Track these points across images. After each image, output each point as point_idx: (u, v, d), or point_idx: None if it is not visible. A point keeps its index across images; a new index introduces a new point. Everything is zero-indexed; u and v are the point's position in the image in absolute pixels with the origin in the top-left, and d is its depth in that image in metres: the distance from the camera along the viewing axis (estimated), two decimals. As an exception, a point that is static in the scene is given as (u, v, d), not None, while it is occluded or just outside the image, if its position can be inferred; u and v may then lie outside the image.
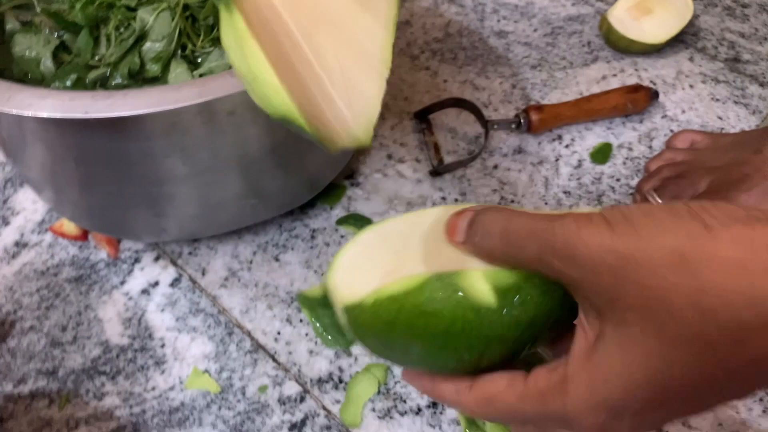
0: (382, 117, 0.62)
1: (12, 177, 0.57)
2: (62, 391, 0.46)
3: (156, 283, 0.51)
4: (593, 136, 0.61)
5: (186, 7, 0.48)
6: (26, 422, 0.45)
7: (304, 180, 0.53)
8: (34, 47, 0.49)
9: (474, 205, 0.28)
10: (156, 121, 0.40)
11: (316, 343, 0.49)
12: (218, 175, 0.45)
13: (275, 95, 0.29)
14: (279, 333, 0.49)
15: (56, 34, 0.50)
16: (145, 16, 0.48)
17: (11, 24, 0.50)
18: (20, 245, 0.53)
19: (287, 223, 0.55)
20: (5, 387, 0.47)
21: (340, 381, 0.47)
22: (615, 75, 0.66)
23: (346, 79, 0.31)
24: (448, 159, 0.59)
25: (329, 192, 0.57)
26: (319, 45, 0.31)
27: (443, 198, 0.57)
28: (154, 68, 0.47)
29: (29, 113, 0.35)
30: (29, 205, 0.55)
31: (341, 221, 0.55)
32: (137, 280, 0.51)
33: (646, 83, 0.65)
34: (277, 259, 0.53)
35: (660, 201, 0.53)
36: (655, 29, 0.66)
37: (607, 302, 0.23)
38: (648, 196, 0.53)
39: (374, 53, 0.31)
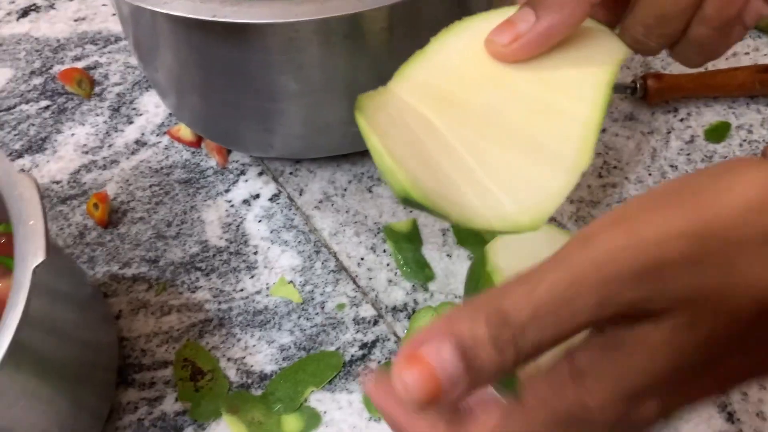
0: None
1: (140, 81, 0.61)
2: (161, 279, 0.50)
3: (257, 196, 0.54)
4: (711, 113, 0.58)
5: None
6: (126, 301, 0.50)
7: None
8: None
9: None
10: (275, 34, 0.42)
11: (395, 273, 0.50)
12: (326, 97, 0.47)
13: (392, 176, 0.28)
14: (362, 259, 0.51)
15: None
16: None
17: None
18: (140, 143, 0.57)
19: (385, 157, 0.56)
20: (112, 267, 0.51)
21: (414, 312, 0.48)
22: (748, 53, 0.62)
23: (513, 173, 0.28)
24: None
25: (430, 134, 0.57)
26: (480, 147, 0.30)
27: (543, 154, 0.56)
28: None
29: (164, 10, 0.38)
30: (152, 108, 0.59)
31: (438, 163, 0.56)
32: (240, 191, 0.54)
33: (780, 65, 0.61)
34: (369, 191, 0.54)
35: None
36: (801, 9, 0.62)
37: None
38: None
39: (561, 153, 0.28)
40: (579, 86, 0.30)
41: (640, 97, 0.58)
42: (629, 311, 0.19)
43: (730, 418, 0.43)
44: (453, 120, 0.30)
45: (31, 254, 0.33)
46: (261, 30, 0.42)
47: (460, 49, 0.33)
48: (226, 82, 0.47)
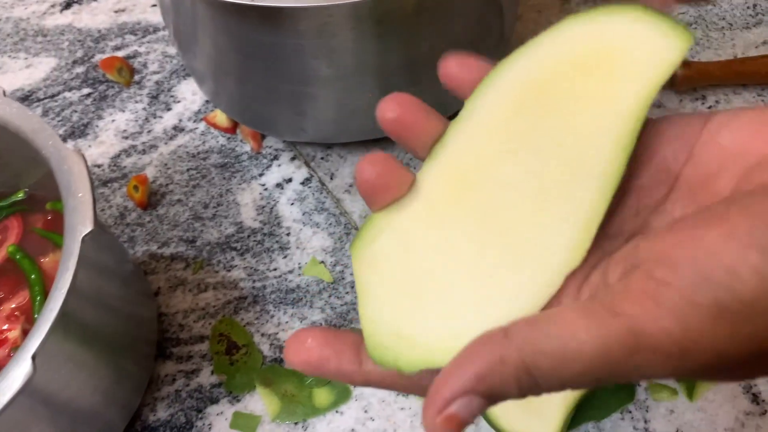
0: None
1: (177, 69, 0.63)
2: (197, 258, 0.52)
3: (290, 180, 0.56)
4: (740, 100, 0.59)
5: None
6: (164, 278, 0.52)
7: (436, 102, 0.55)
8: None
9: None
10: (308, 18, 0.43)
11: (424, 255, 0.51)
12: (357, 81, 0.48)
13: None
14: (392, 240, 0.52)
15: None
16: None
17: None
18: (177, 129, 0.59)
19: (414, 143, 0.57)
20: (151, 247, 0.53)
21: (442, 292, 0.49)
22: (778, 41, 0.62)
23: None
24: (581, 104, 0.59)
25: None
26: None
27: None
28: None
29: (205, -4, 0.40)
30: (189, 96, 0.61)
31: (466, 148, 0.57)
32: (274, 175, 0.56)
33: (812, 53, 0.61)
34: (400, 175, 0.56)
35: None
36: (834, -4, 0.61)
37: None
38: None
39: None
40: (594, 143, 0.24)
41: (668, 85, 0.58)
42: None
43: (756, 399, 0.44)
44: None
45: (80, 224, 0.35)
46: (295, 14, 0.43)
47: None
48: (261, 67, 0.49)
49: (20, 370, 0.31)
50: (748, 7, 0.65)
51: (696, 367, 0.19)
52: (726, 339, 0.18)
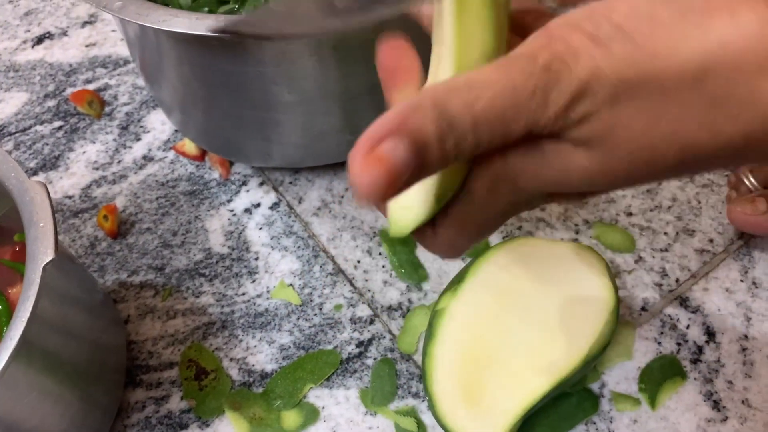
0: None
1: (147, 100, 0.64)
2: (166, 285, 0.53)
3: (258, 205, 0.57)
4: None
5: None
6: (134, 306, 0.52)
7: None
8: (176, -18, 0.55)
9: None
10: (268, 47, 0.44)
11: (390, 275, 0.52)
12: (320, 106, 0.49)
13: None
14: (359, 261, 0.53)
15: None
16: None
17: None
18: (147, 159, 0.60)
19: (381, 166, 0.58)
20: (121, 275, 0.54)
21: (408, 311, 0.50)
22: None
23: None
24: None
25: (424, 142, 0.60)
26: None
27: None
28: (275, 7, 0.52)
29: (163, 27, 0.41)
30: (158, 126, 0.62)
31: (431, 169, 0.58)
32: (242, 200, 0.57)
33: None
34: (367, 197, 0.57)
35: (755, 182, 0.52)
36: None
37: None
38: (743, 176, 0.52)
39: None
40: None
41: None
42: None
43: (716, 405, 0.45)
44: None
45: (41, 253, 0.36)
46: (254, 43, 0.44)
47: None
48: (226, 96, 0.50)
49: (-22, 398, 0.31)
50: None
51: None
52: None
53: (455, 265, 0.52)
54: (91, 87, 0.66)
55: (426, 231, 0.26)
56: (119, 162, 0.60)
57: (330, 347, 0.49)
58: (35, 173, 0.60)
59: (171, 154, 0.60)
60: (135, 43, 0.54)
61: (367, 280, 0.52)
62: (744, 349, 0.47)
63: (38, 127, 0.63)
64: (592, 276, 0.42)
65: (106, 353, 0.47)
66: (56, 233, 0.36)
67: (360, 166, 0.20)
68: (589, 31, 0.21)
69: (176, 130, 0.62)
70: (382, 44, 0.27)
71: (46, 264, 0.35)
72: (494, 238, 0.53)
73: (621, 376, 0.46)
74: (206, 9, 0.52)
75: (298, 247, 0.54)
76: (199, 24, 0.40)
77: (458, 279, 0.45)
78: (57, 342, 0.40)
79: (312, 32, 0.41)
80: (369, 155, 0.20)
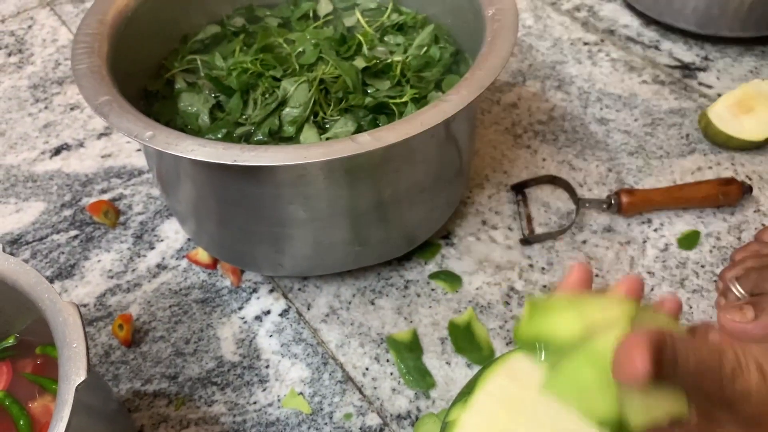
0: (481, 186, 0.68)
1: (161, 210, 0.67)
2: (179, 394, 0.54)
3: (268, 312, 0.59)
4: (682, 222, 0.64)
5: (321, 81, 0.57)
6: (147, 416, 0.53)
7: (404, 235, 0.59)
8: (195, 104, 0.59)
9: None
10: (287, 173, 0.48)
11: (399, 382, 0.54)
12: (332, 222, 0.53)
13: None
14: (367, 369, 0.55)
15: (213, 95, 0.60)
16: (288, 86, 0.57)
17: (179, 84, 0.61)
18: (161, 267, 0.63)
19: (385, 272, 0.61)
20: (135, 384, 0.55)
21: (417, 419, 0.52)
22: (711, 167, 0.69)
23: None
24: (539, 230, 0.64)
25: (425, 248, 0.63)
26: None
27: (530, 265, 0.61)
28: (290, 130, 0.56)
29: (192, 156, 0.44)
30: (172, 234, 0.65)
31: (434, 276, 0.61)
32: (253, 308, 0.59)
33: (741, 177, 0.67)
34: (372, 303, 0.59)
35: (741, 290, 0.55)
36: (755, 127, 0.69)
37: None
38: (730, 284, 0.55)
39: None
40: None
41: (615, 210, 0.64)
42: None
43: None
44: None
45: (74, 374, 0.37)
46: (274, 169, 0.48)
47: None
48: (242, 212, 0.53)
49: None
50: (681, 137, 0.72)
51: None
52: None
53: (462, 373, 0.54)
54: (106, 197, 0.69)
55: None
56: (133, 270, 0.62)
57: (341, 456, 0.50)
58: (51, 282, 0.62)
59: (184, 263, 0.63)
60: (152, 158, 0.57)
61: (375, 388, 0.54)
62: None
63: (55, 236, 0.66)
64: None
65: (122, 466, 0.47)
66: (88, 354, 0.38)
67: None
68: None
69: (189, 239, 0.64)
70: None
71: (79, 385, 0.37)
72: (501, 347, 0.55)
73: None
74: (224, 131, 0.56)
75: (308, 354, 0.56)
76: (226, 154, 0.44)
77: (468, 389, 0.47)
78: (80, 458, 0.41)
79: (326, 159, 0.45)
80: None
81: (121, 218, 0.67)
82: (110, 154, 0.73)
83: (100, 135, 0.76)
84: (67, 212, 0.68)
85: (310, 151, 0.44)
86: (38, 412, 0.46)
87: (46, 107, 0.79)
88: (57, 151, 0.74)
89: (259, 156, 0.44)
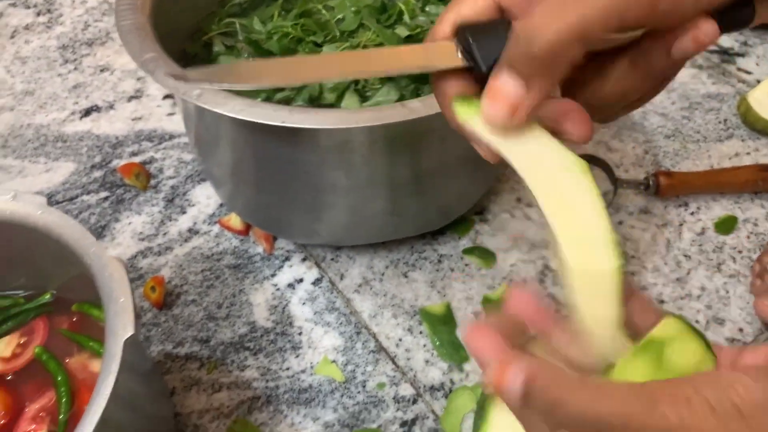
0: (517, 164, 0.67)
1: (192, 174, 0.67)
2: (211, 358, 0.54)
3: (300, 280, 0.58)
4: (719, 207, 0.63)
5: (364, 47, 0.56)
6: (179, 378, 0.53)
7: (440, 208, 0.59)
8: (234, 68, 0.58)
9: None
10: (333, 137, 0.47)
11: (432, 354, 0.54)
12: (371, 191, 0.52)
13: None
14: (400, 340, 0.54)
15: (252, 59, 0.59)
16: (329, 51, 0.56)
17: (218, 47, 0.61)
18: (192, 232, 0.62)
19: (418, 245, 0.61)
20: (166, 346, 0.55)
21: (450, 391, 0.51)
22: (749, 153, 0.68)
23: None
24: (574, 210, 0.63)
25: (459, 223, 0.62)
26: None
27: (565, 244, 0.61)
28: (330, 96, 0.55)
29: (240, 116, 0.43)
30: (203, 200, 0.65)
31: (467, 251, 0.60)
32: (285, 275, 0.59)
33: (780, 164, 0.66)
34: (405, 276, 0.59)
35: (780, 275, 0.54)
36: (796, 114, 0.68)
37: None
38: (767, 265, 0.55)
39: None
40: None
41: (653, 192, 0.63)
42: None
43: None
44: None
45: (121, 328, 0.37)
46: (321, 133, 0.47)
47: None
48: (282, 177, 0.52)
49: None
50: (719, 122, 0.71)
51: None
52: None
53: (496, 347, 0.53)
54: (137, 159, 0.68)
55: None
56: (165, 234, 0.62)
57: (374, 426, 0.50)
58: (82, 242, 0.62)
59: (216, 228, 0.62)
60: (191, 119, 0.57)
61: (409, 359, 0.53)
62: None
63: (85, 197, 0.65)
64: None
65: (157, 424, 0.47)
66: (135, 309, 0.38)
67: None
68: (710, 401, 0.23)
69: (221, 205, 0.64)
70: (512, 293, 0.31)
71: (127, 339, 0.37)
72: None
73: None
74: (263, 95, 0.55)
75: (341, 323, 0.56)
76: (275, 115, 0.43)
77: None
78: (120, 414, 0.41)
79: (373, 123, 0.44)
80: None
81: (152, 181, 0.66)
82: (140, 117, 0.73)
83: (131, 98, 0.75)
84: (98, 173, 0.67)
85: (360, 115, 0.43)
86: (75, 368, 0.46)
87: (75, 68, 0.79)
88: (87, 113, 0.74)
89: (308, 118, 0.43)
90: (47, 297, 0.49)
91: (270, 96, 0.56)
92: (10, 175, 0.68)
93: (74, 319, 0.48)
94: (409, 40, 0.58)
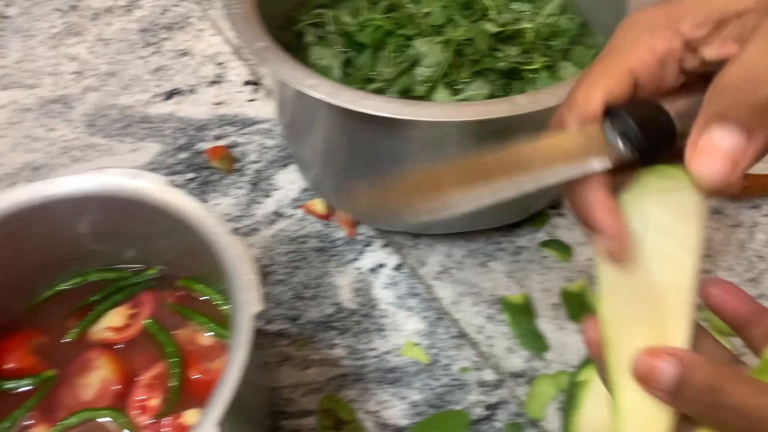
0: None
1: (276, 159, 0.69)
2: (301, 335, 0.56)
3: (382, 265, 0.61)
4: (793, 210, 0.64)
5: (457, 43, 0.57)
6: (271, 354, 0.55)
7: (521, 203, 0.61)
8: (326, 57, 0.60)
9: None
10: (431, 129, 0.49)
11: (513, 342, 0.56)
12: (463, 182, 0.54)
13: None
14: (482, 327, 0.57)
15: (343, 50, 0.61)
16: (420, 45, 0.58)
17: (310, 37, 0.63)
18: (277, 215, 0.65)
19: (495, 236, 0.63)
20: (258, 323, 0.57)
21: (533, 378, 0.53)
22: (821, 157, 0.68)
23: None
24: (648, 207, 0.65)
25: (534, 216, 0.64)
26: None
27: (640, 240, 0.62)
28: (421, 89, 0.57)
29: (352, 107, 0.45)
30: (287, 185, 0.67)
31: (545, 244, 0.62)
32: (368, 260, 0.61)
33: None
34: (484, 265, 0.61)
35: None
36: None
37: None
38: None
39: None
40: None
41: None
42: None
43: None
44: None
45: (248, 304, 0.39)
46: (414, 125, 0.49)
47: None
48: (374, 164, 0.54)
49: (210, 436, 0.34)
50: (791, 126, 0.71)
51: None
52: None
53: (576, 339, 0.55)
54: (221, 143, 0.70)
55: None
56: (251, 216, 0.64)
57: (459, 407, 0.52)
58: (171, 220, 0.65)
59: (299, 212, 0.65)
60: (288, 106, 0.59)
61: (490, 346, 0.55)
62: None
63: (172, 177, 0.68)
64: None
65: (259, 395, 0.50)
66: (260, 286, 0.40)
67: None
68: None
69: (305, 189, 0.66)
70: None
71: (254, 314, 0.39)
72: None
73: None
74: (356, 86, 0.57)
75: (423, 308, 0.58)
76: (386, 107, 0.45)
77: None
78: (242, 384, 0.43)
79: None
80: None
81: (236, 165, 0.69)
82: (222, 102, 0.75)
83: (212, 83, 0.77)
84: (183, 155, 0.70)
85: (469, 109, 0.45)
86: (182, 340, 0.49)
87: (156, 52, 0.81)
88: (169, 95, 0.76)
89: (418, 111, 0.45)
90: (154, 272, 0.51)
91: (362, 87, 0.58)
92: (98, 153, 0.71)
93: (179, 294, 0.51)
94: (499, 36, 0.60)
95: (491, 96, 0.56)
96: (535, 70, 0.58)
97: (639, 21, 0.28)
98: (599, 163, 0.27)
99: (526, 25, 0.61)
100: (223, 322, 0.47)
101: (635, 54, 0.27)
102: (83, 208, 0.45)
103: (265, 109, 0.74)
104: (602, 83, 0.27)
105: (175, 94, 0.76)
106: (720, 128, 0.25)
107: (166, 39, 0.83)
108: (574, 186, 0.28)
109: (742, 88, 0.25)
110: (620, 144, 0.26)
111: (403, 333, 0.56)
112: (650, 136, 0.26)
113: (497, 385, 0.53)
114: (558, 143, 0.28)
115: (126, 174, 0.46)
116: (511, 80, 0.58)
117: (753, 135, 0.25)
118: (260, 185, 0.67)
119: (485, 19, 0.63)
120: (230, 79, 0.77)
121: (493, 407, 0.52)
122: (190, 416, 0.44)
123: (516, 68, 0.58)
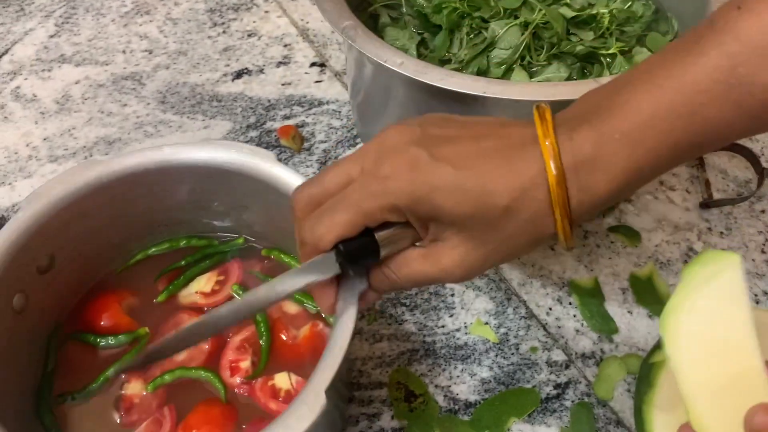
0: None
1: (342, 140, 0.70)
2: (371, 310, 0.57)
3: (451, 245, 0.61)
4: None
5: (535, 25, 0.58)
6: (342, 327, 0.57)
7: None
8: (401, 39, 0.61)
9: None
10: (510, 108, 0.50)
11: (582, 324, 0.56)
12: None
13: None
14: (550, 309, 0.57)
15: (417, 31, 0.62)
16: (497, 27, 0.59)
17: (384, 18, 0.63)
18: (345, 193, 0.66)
19: (562, 221, 0.63)
20: (328, 297, 0.59)
21: (601, 360, 0.54)
22: None
23: None
24: (716, 196, 0.64)
25: (602, 203, 0.64)
26: None
27: (709, 229, 0.62)
28: (497, 71, 0.57)
29: (440, 85, 0.46)
30: (355, 164, 0.68)
31: (613, 229, 0.62)
32: (436, 240, 0.62)
33: None
34: (552, 249, 0.61)
35: None
36: None
37: None
38: None
39: None
40: None
41: (798, 184, 0.64)
42: None
43: None
44: None
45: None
46: (502, 103, 0.49)
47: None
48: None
49: (316, 401, 0.35)
50: None
51: None
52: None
53: (644, 323, 0.56)
54: (289, 123, 0.72)
55: None
56: (321, 193, 0.66)
57: (529, 386, 0.53)
58: (243, 196, 0.66)
59: (368, 191, 0.66)
60: (363, 84, 0.60)
61: (559, 327, 0.56)
62: None
63: (242, 154, 0.70)
64: None
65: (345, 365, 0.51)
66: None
67: None
68: None
69: (373, 170, 0.67)
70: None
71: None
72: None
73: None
74: (437, 62, 0.58)
75: (491, 288, 0.59)
76: (475, 86, 0.46)
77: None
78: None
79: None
80: None
81: (305, 144, 0.70)
82: (290, 83, 0.76)
83: (279, 63, 0.79)
84: (253, 133, 0.72)
85: (557, 89, 0.46)
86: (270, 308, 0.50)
87: (224, 32, 0.83)
88: (238, 75, 0.78)
89: (507, 89, 0.46)
90: (240, 242, 0.53)
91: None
92: (170, 129, 0.73)
93: (265, 263, 0.52)
94: (572, 20, 0.60)
95: (569, 79, 0.56)
96: (610, 55, 0.58)
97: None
98: (328, 273, 0.38)
99: (602, 10, 0.61)
100: (308, 292, 0.48)
101: (364, 207, 0.36)
102: (188, 177, 0.46)
103: (331, 90, 0.75)
104: (335, 231, 0.36)
105: (243, 73, 0.78)
106: None
107: (233, 20, 0.84)
108: (315, 287, 0.39)
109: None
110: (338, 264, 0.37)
111: (471, 312, 0.57)
112: (356, 255, 0.37)
113: (566, 365, 0.54)
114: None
115: (237, 147, 0.47)
116: (586, 64, 0.58)
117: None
118: (328, 164, 0.68)
119: (560, 3, 0.63)
120: (297, 60, 0.79)
121: (562, 387, 0.53)
122: (280, 379, 0.45)
123: (593, 52, 0.58)
